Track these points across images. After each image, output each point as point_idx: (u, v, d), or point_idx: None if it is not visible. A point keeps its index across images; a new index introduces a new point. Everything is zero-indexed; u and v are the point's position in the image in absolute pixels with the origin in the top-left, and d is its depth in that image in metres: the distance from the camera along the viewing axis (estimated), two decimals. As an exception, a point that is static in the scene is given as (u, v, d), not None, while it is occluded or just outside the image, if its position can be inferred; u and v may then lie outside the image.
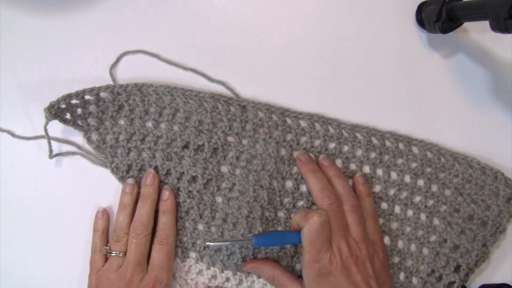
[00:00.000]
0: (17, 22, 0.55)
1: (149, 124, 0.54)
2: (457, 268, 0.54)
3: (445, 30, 0.52)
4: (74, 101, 0.52)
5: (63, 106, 0.51)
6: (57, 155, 0.55)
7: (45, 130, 0.52)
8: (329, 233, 0.48)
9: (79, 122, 0.53)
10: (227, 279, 0.54)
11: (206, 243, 0.50)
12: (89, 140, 0.54)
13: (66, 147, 0.55)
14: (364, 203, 0.52)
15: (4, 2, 0.55)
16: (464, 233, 0.54)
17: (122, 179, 0.54)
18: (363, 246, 0.49)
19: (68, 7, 0.55)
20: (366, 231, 0.51)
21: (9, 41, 0.55)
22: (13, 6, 0.55)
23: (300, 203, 0.54)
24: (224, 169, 0.54)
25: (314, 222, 0.47)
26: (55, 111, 0.51)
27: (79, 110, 0.53)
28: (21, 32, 0.55)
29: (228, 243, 0.50)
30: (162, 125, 0.54)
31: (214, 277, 0.54)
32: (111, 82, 0.55)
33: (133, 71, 0.56)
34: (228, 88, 0.56)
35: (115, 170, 0.54)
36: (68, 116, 0.52)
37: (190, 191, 0.54)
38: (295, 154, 0.55)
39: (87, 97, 0.52)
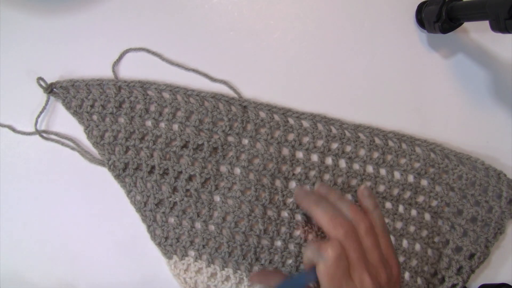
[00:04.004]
0: (19, 21, 0.55)
1: (149, 123, 0.54)
2: (459, 270, 0.54)
3: (445, 30, 0.52)
4: (78, 86, 0.54)
5: (65, 87, 0.53)
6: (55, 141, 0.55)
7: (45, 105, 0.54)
8: (347, 264, 0.44)
9: (82, 113, 0.54)
10: (227, 278, 0.54)
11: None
12: (89, 134, 0.54)
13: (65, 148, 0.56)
14: (373, 217, 0.48)
15: (4, 2, 0.55)
16: (467, 234, 0.54)
17: (118, 177, 0.54)
18: (382, 270, 0.45)
19: (71, 5, 0.55)
20: (382, 251, 0.47)
21: (9, 41, 0.55)
22: (13, 6, 0.55)
23: None
24: (224, 168, 0.54)
25: (330, 256, 0.43)
26: (55, 88, 0.53)
27: (81, 99, 0.53)
28: (22, 28, 0.55)
29: None
30: (162, 124, 0.54)
31: (214, 275, 0.54)
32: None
33: (135, 70, 0.56)
34: (231, 87, 0.56)
35: (112, 168, 0.54)
36: (68, 98, 0.53)
37: (187, 190, 0.54)
38: (298, 154, 0.55)
39: (91, 85, 0.53)
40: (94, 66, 0.55)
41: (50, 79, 0.54)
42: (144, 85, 0.53)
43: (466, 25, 0.56)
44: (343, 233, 0.44)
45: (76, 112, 0.54)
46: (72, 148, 0.55)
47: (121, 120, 0.54)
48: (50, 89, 0.53)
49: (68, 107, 0.54)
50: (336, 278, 0.43)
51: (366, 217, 0.46)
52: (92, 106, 0.53)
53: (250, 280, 0.51)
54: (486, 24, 0.45)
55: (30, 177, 0.55)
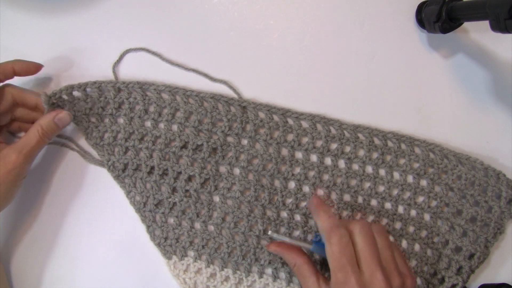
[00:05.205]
0: (19, 21, 0.55)
1: (148, 123, 0.54)
2: (459, 270, 0.54)
3: (445, 30, 0.52)
4: (76, 93, 0.53)
5: (65, 97, 0.52)
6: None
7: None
8: (353, 254, 0.45)
9: (82, 115, 0.53)
10: (227, 278, 0.54)
11: (269, 233, 0.51)
12: (89, 135, 0.54)
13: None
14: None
15: (4, 2, 0.55)
16: (466, 235, 0.54)
17: (118, 177, 0.54)
18: (396, 275, 0.46)
19: (71, 5, 0.55)
20: (395, 259, 0.48)
21: (9, 40, 0.55)
22: (13, 6, 0.55)
23: (303, 203, 0.54)
24: (223, 169, 0.54)
25: (334, 242, 0.45)
26: (55, 100, 0.51)
27: (80, 103, 0.53)
28: (22, 28, 0.55)
29: (287, 240, 0.51)
30: (161, 125, 0.54)
31: (213, 275, 0.54)
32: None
33: (135, 70, 0.56)
34: (231, 87, 0.56)
35: (111, 168, 0.54)
36: (68, 107, 0.53)
37: (187, 190, 0.54)
38: (297, 155, 0.55)
39: (89, 89, 0.53)
40: (94, 67, 0.55)
41: (49, 80, 0.54)
42: (143, 86, 0.53)
43: (466, 25, 0.56)
44: (359, 227, 0.46)
45: (76, 113, 0.54)
46: (72, 149, 0.55)
47: (121, 121, 0.54)
48: (51, 103, 0.51)
49: (67, 108, 0.54)
50: (341, 263, 0.44)
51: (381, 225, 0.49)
52: (91, 107, 0.53)
53: (267, 248, 0.53)
54: (486, 24, 0.45)
55: (29, 178, 0.55)
